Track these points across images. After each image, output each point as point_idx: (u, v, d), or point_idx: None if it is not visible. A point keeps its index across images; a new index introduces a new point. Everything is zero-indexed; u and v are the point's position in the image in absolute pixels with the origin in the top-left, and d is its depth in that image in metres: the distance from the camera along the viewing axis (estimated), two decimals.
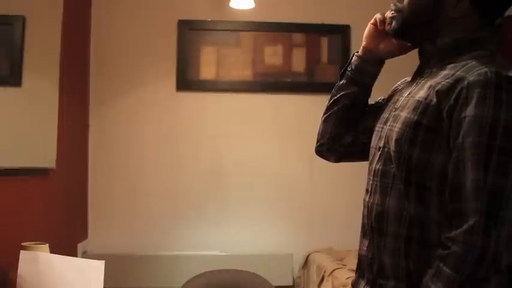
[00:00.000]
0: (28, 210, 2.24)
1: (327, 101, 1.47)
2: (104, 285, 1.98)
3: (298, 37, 3.30)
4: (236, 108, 3.27)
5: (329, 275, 2.72)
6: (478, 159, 1.05)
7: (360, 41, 1.41)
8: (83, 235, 3.07)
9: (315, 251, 3.08)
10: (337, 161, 1.52)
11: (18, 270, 1.78)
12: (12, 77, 2.06)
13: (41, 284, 1.81)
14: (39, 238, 2.01)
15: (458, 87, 1.10)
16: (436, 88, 1.15)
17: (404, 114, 1.20)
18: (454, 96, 1.10)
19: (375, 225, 1.23)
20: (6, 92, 2.02)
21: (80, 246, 2.93)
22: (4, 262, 1.89)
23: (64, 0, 2.44)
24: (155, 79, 3.23)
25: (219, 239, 3.16)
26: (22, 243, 1.88)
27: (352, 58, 1.44)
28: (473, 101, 1.07)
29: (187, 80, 3.23)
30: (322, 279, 2.78)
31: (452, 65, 1.18)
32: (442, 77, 1.17)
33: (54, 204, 2.57)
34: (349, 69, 1.43)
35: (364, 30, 1.40)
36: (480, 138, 1.06)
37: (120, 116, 3.20)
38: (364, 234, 1.30)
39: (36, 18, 2.20)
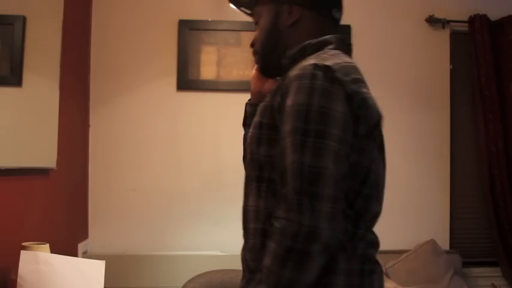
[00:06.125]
0: (28, 210, 2.24)
1: None
2: (104, 285, 1.99)
3: None
4: (236, 108, 3.24)
5: None
6: (296, 143, 1.11)
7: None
8: (83, 235, 3.07)
9: None
10: None
11: (19, 270, 1.79)
12: (12, 77, 2.05)
13: (41, 284, 1.81)
14: (40, 238, 2.02)
15: (284, 84, 1.19)
16: (271, 90, 1.26)
17: (255, 119, 1.30)
18: (280, 92, 1.20)
19: (243, 226, 1.31)
20: (6, 92, 2.02)
21: (80, 246, 2.93)
22: (4, 262, 1.90)
23: (64, 0, 2.44)
24: (155, 79, 3.22)
25: (219, 239, 3.16)
26: (23, 243, 1.88)
27: (246, 108, 1.56)
28: (292, 92, 1.15)
29: (187, 80, 3.22)
30: None
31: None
32: (279, 80, 1.27)
33: (54, 204, 2.57)
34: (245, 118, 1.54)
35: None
36: (297, 124, 1.12)
37: (120, 116, 3.20)
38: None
39: (36, 18, 2.19)
